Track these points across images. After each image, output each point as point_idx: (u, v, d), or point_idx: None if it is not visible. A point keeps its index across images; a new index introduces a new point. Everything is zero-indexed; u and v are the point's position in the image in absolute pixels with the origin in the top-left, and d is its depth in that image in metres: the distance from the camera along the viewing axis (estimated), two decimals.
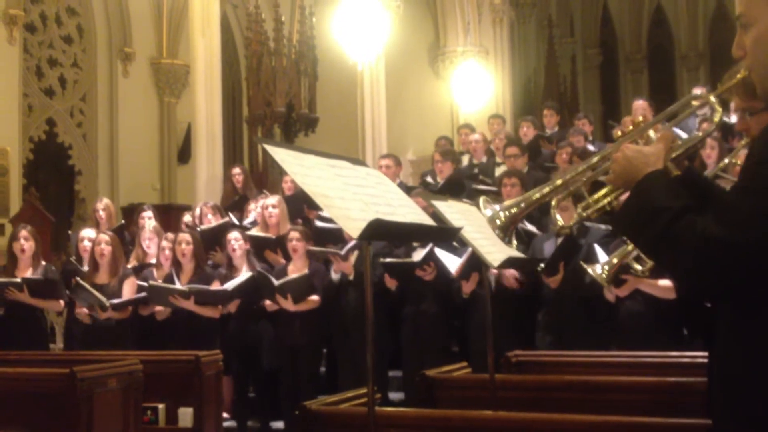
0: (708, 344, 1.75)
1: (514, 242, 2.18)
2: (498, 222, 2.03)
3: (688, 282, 1.65)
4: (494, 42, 14.52)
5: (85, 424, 4.31)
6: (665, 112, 2.01)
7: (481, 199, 2.16)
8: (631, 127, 1.96)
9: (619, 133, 1.98)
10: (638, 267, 3.73)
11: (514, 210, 2.03)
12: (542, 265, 5.23)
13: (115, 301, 5.96)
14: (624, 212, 1.78)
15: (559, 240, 5.35)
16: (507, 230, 2.05)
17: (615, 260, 3.57)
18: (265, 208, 6.81)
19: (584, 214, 2.00)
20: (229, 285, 6.11)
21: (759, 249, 1.52)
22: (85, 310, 6.06)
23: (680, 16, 20.74)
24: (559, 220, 2.08)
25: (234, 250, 6.28)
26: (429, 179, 8.09)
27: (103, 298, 5.93)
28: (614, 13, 21.20)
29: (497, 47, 14.54)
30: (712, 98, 1.94)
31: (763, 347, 1.55)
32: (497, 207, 2.06)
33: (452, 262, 5.71)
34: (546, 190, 2.01)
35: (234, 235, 6.30)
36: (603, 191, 1.95)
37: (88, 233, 6.65)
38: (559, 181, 2.00)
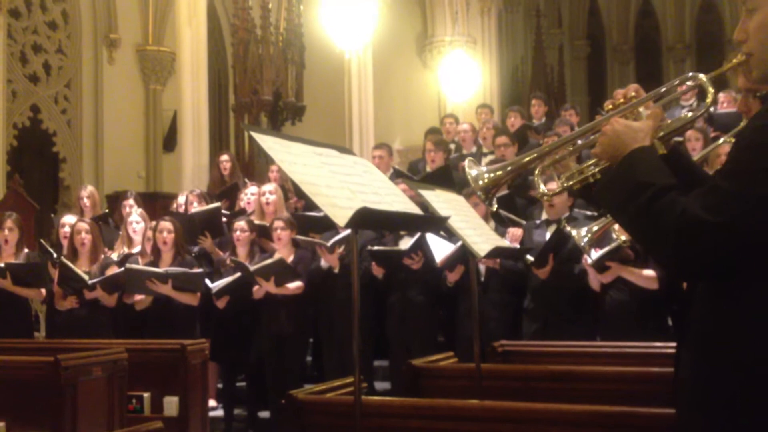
0: (677, 334, 1.76)
1: (495, 206, 2.17)
2: (481, 183, 2.03)
3: (666, 260, 1.66)
4: (482, 32, 14.51)
5: (69, 413, 4.29)
6: (658, 89, 2.01)
7: (467, 159, 2.16)
8: (622, 100, 1.95)
9: (610, 106, 1.97)
10: (623, 237, 3.74)
11: (498, 173, 2.02)
12: (529, 257, 5.24)
13: (96, 279, 5.92)
14: (608, 185, 1.79)
15: (549, 229, 5.37)
16: (489, 192, 2.04)
17: (596, 228, 3.59)
18: (262, 195, 6.82)
19: (567, 185, 2.00)
20: (217, 285, 6.08)
21: (738, 231, 1.53)
22: (67, 300, 6.01)
23: (667, 8, 20.79)
24: (542, 188, 2.07)
25: (238, 239, 6.26)
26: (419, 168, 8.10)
27: (86, 276, 5.90)
28: (602, 4, 21.22)
29: (485, 37, 14.53)
30: (704, 79, 1.94)
31: (738, 331, 1.57)
32: (483, 168, 2.06)
33: (440, 251, 5.72)
34: (532, 156, 2.01)
35: (240, 225, 6.29)
36: (588, 163, 1.94)
37: (69, 219, 6.60)
38: (545, 149, 2.00)
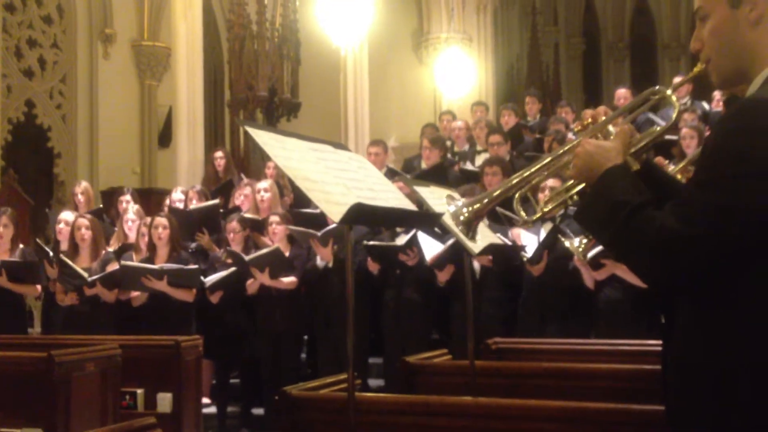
0: (664, 333, 1.78)
1: (478, 238, 2.17)
2: (462, 218, 2.04)
3: (647, 275, 1.68)
4: (478, 29, 14.51)
5: (62, 408, 4.28)
6: (625, 106, 2.04)
7: (445, 195, 2.17)
8: (590, 120, 1.97)
9: (579, 127, 1.99)
10: None
11: (477, 206, 2.03)
12: (525, 253, 5.25)
13: (95, 276, 5.92)
14: (585, 207, 1.81)
15: (544, 227, 5.37)
16: (471, 226, 2.05)
17: (587, 239, 3.60)
18: (257, 192, 6.84)
19: (545, 209, 2.02)
20: (210, 279, 6.08)
21: (713, 242, 1.55)
22: (67, 296, 6.01)
23: (663, 6, 20.82)
24: (522, 214, 2.08)
25: (233, 240, 6.30)
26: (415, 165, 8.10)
27: (85, 274, 5.90)
28: (597, 2, 21.24)
29: (481, 34, 14.53)
30: (668, 92, 1.96)
31: (718, 339, 1.58)
32: (460, 203, 2.07)
33: (430, 250, 5.72)
34: (508, 185, 2.02)
35: (232, 225, 6.33)
36: (565, 185, 1.96)
37: (66, 216, 6.57)
38: (522, 176, 2.01)
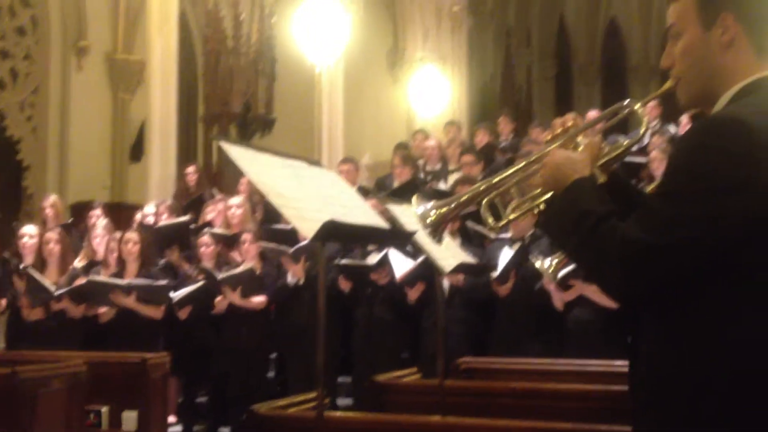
0: (630, 351, 1.79)
1: (445, 240, 2.17)
2: (428, 220, 2.04)
3: (609, 285, 1.69)
4: (452, 49, 14.63)
5: (26, 425, 4.20)
6: (595, 118, 2.06)
7: (414, 196, 2.17)
8: (560, 130, 1.99)
9: (549, 137, 2.01)
10: None
11: (444, 209, 2.04)
12: (494, 274, 5.27)
13: (62, 290, 5.83)
14: (550, 216, 1.83)
15: (514, 247, 5.39)
16: (437, 229, 2.06)
17: (557, 260, 3.63)
18: (228, 208, 6.80)
19: (512, 216, 2.03)
20: (178, 294, 6.03)
21: (677, 253, 1.56)
22: (34, 311, 5.91)
23: (634, 29, 21.14)
24: (490, 220, 2.09)
25: (203, 254, 6.28)
26: (386, 184, 8.11)
27: (52, 287, 5.81)
28: (570, 25, 21.51)
29: (455, 54, 14.65)
30: (637, 107, 1.98)
31: (684, 351, 1.59)
32: (428, 205, 2.07)
33: (400, 267, 5.73)
34: (476, 191, 2.03)
35: (204, 239, 6.30)
36: (532, 194, 1.98)
37: (29, 229, 6.44)
38: (490, 182, 2.02)
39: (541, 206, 1.94)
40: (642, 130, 2.02)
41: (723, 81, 1.71)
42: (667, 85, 1.84)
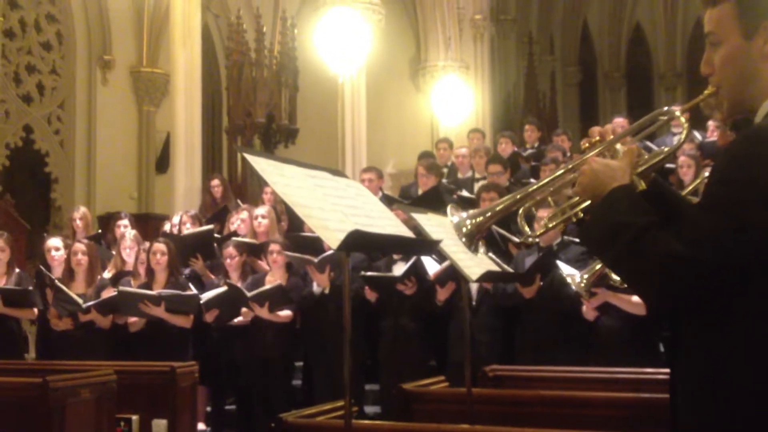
0: (670, 360, 1.77)
1: (481, 250, 2.16)
2: (464, 230, 2.03)
3: (650, 298, 1.68)
4: (474, 57, 14.61)
5: None
6: (633, 125, 2.03)
7: (449, 206, 2.16)
8: (597, 138, 1.97)
9: (587, 144, 1.99)
10: (616, 277, 3.74)
11: (480, 219, 2.03)
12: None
13: (90, 303, 5.90)
14: (590, 227, 1.80)
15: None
16: (473, 238, 2.05)
17: (594, 270, 3.59)
18: (255, 218, 6.85)
19: (551, 225, 2.01)
20: (205, 296, 6.07)
21: (718, 266, 1.55)
22: (61, 321, 5.98)
23: (659, 36, 21.00)
24: (527, 229, 2.08)
25: (230, 265, 6.31)
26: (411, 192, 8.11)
27: (80, 300, 5.88)
28: (594, 32, 21.41)
29: (478, 62, 14.63)
30: (678, 113, 1.96)
31: (725, 362, 1.58)
32: (464, 214, 2.06)
33: (433, 267, 5.74)
34: (512, 199, 2.02)
35: (229, 251, 6.34)
36: (570, 202, 1.95)
37: (54, 242, 6.51)
38: (527, 191, 2.01)
39: (579, 214, 1.92)
40: (683, 136, 2.00)
41: (764, 89, 1.70)
42: (708, 91, 1.82)
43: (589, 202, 1.85)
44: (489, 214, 2.03)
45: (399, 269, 5.95)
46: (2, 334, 6.13)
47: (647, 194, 1.85)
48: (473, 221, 2.02)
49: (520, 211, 2.03)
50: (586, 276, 3.19)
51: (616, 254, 1.68)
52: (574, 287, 3.59)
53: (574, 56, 21.11)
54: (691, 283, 1.57)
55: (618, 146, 1.93)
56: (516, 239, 5.93)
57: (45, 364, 5.51)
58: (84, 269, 6.11)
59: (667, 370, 3.58)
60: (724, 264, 1.54)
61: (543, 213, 3.85)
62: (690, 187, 5.79)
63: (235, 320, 6.13)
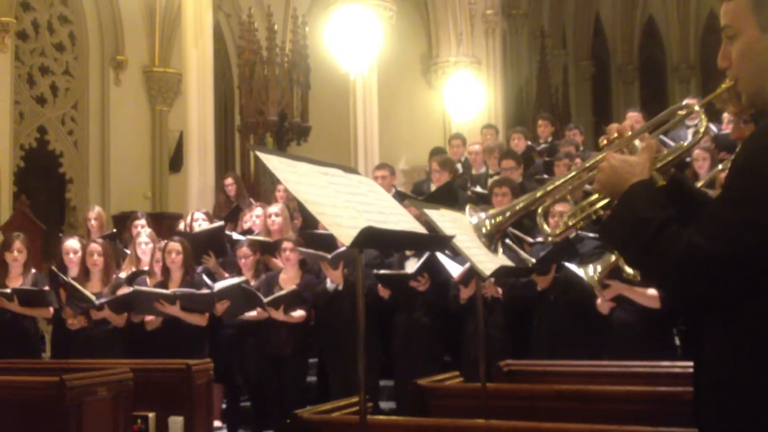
0: (694, 354, 1.76)
1: (500, 251, 2.15)
2: (484, 230, 2.03)
3: (673, 293, 1.67)
4: (486, 52, 14.57)
5: None
6: (651, 121, 2.02)
7: (468, 206, 2.16)
8: (615, 135, 1.97)
9: (605, 141, 1.98)
10: (630, 271, 3.73)
11: (499, 218, 2.02)
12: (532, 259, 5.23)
13: (103, 299, 5.94)
14: (610, 223, 1.79)
15: None
16: (493, 238, 2.04)
17: (606, 263, 3.57)
18: (268, 216, 6.87)
19: (570, 223, 2.01)
20: (217, 285, 6.10)
21: (741, 259, 1.54)
22: (76, 319, 6.01)
23: (672, 28, 20.87)
24: (546, 228, 2.08)
25: (244, 264, 6.34)
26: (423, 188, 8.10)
27: (93, 297, 5.91)
28: (606, 25, 21.31)
29: (489, 58, 14.59)
30: (697, 108, 1.95)
31: (749, 356, 1.57)
32: (483, 215, 2.06)
33: (454, 268, 5.73)
34: (532, 198, 2.01)
35: (243, 251, 6.39)
36: (589, 200, 1.95)
37: (72, 244, 6.50)
38: (545, 189, 2.00)
39: (600, 212, 1.91)
40: (702, 131, 1.99)
41: None
42: (725, 84, 1.81)
43: (608, 199, 1.84)
44: (508, 213, 2.03)
45: (412, 265, 5.95)
46: (19, 334, 6.18)
47: (666, 190, 1.84)
48: (492, 221, 2.02)
49: (539, 210, 2.02)
50: (599, 269, 3.18)
51: (637, 249, 1.68)
52: (586, 279, 3.58)
53: (586, 50, 21.02)
54: (712, 276, 1.56)
55: (636, 142, 1.92)
56: (530, 239, 5.92)
57: (61, 363, 5.55)
58: (99, 269, 6.15)
59: (683, 364, 3.59)
60: (744, 257, 1.53)
61: (559, 208, 3.85)
62: (705, 180, 5.76)
63: (247, 314, 6.15)
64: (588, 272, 3.62)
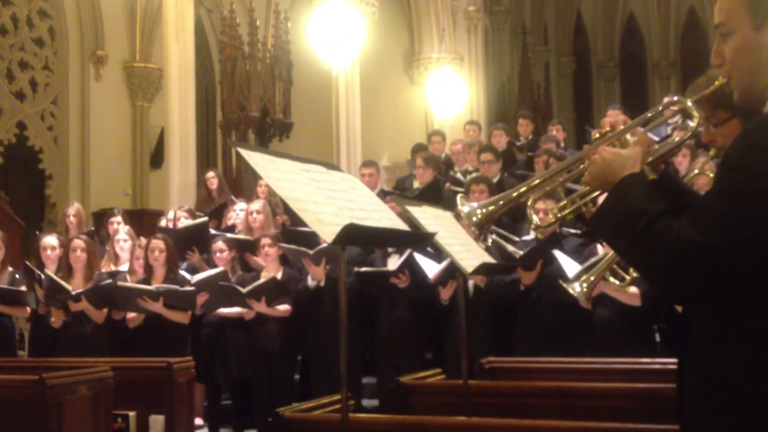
0: (678, 350, 1.76)
1: (490, 240, 2.16)
2: (475, 219, 2.03)
3: (664, 285, 1.66)
4: (469, 49, 14.59)
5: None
6: (642, 116, 2.03)
7: (459, 196, 2.16)
8: (608, 129, 1.97)
9: (597, 134, 1.99)
10: (615, 281, 3.73)
11: (491, 207, 2.03)
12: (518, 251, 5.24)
13: (80, 290, 5.87)
14: (601, 214, 1.79)
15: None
16: (483, 228, 2.05)
17: (593, 278, 3.57)
18: (249, 213, 6.84)
19: (560, 215, 2.01)
20: (196, 277, 6.07)
21: (732, 253, 1.54)
22: (56, 314, 5.96)
23: (652, 25, 20.99)
24: (535, 219, 2.08)
25: (219, 259, 6.31)
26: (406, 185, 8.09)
27: (69, 287, 5.86)
28: (587, 22, 21.41)
29: (471, 54, 14.62)
30: (690, 104, 1.96)
31: (739, 350, 1.57)
32: (474, 204, 2.07)
33: (431, 268, 5.72)
34: (522, 189, 2.02)
35: (218, 245, 6.35)
36: (579, 192, 1.95)
37: (50, 241, 6.45)
38: (536, 181, 2.01)
39: (590, 205, 1.92)
40: (693, 125, 2.00)
41: None
42: (719, 82, 1.82)
43: (599, 192, 1.85)
44: (501, 202, 2.04)
45: (394, 262, 5.95)
46: None
47: (657, 184, 1.85)
48: (484, 210, 2.03)
49: (529, 201, 2.03)
50: (585, 285, 3.17)
51: (629, 242, 1.67)
52: (575, 296, 3.56)
53: (568, 47, 21.10)
54: (705, 270, 1.56)
55: (628, 137, 1.93)
56: (516, 238, 5.93)
57: (40, 362, 5.50)
58: (82, 265, 6.09)
59: (663, 360, 3.60)
60: (738, 251, 1.53)
61: (542, 205, 3.85)
62: (688, 177, 5.79)
63: (226, 311, 6.11)
64: (575, 289, 3.60)
